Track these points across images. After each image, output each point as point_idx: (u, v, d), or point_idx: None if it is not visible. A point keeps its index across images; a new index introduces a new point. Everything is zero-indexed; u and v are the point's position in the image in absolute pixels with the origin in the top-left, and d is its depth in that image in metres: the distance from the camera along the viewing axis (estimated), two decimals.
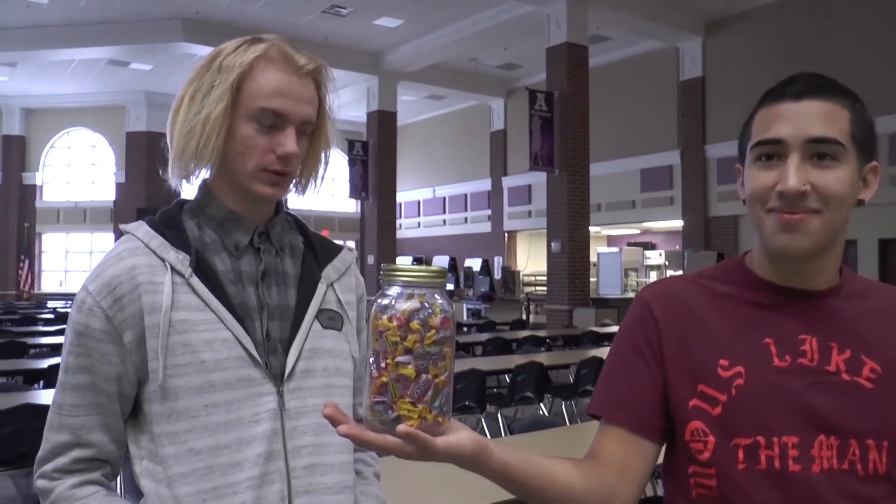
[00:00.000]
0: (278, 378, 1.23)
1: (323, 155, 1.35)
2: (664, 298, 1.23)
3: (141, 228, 1.25)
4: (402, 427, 0.84)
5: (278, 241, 1.32)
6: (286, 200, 1.38)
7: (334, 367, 1.30)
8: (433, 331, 0.86)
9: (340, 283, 1.37)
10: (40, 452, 1.23)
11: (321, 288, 1.33)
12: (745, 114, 1.22)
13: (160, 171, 1.28)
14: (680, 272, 11.25)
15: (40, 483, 1.22)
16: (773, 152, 1.12)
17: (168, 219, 1.28)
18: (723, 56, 14.49)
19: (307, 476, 1.23)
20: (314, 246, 1.38)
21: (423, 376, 0.85)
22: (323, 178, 1.37)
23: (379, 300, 0.88)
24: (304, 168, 1.33)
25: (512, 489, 1.05)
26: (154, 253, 1.21)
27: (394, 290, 0.88)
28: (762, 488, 1.08)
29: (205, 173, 1.29)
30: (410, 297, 0.87)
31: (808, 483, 1.07)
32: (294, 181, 1.32)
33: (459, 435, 0.91)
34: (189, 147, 1.22)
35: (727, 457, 1.10)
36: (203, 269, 1.23)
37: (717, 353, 1.15)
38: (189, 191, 1.32)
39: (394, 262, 19.02)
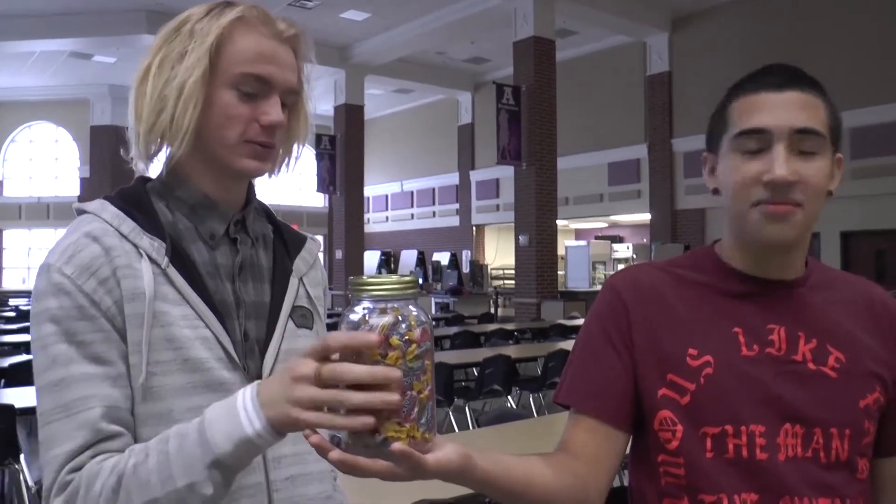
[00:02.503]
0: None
1: (302, 130, 1.22)
2: (634, 286, 1.22)
3: (106, 209, 1.10)
4: (396, 446, 0.80)
5: (253, 230, 1.22)
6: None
7: None
8: (414, 345, 0.81)
9: (309, 277, 1.29)
10: (46, 480, 1.00)
11: (293, 282, 1.24)
12: (712, 108, 1.22)
13: (122, 152, 1.15)
14: None
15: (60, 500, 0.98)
16: (757, 142, 1.11)
17: (135, 199, 1.14)
18: (689, 51, 14.60)
19: (288, 488, 1.14)
20: (283, 235, 1.29)
21: (408, 393, 0.81)
22: (298, 157, 1.25)
23: (349, 316, 0.83)
24: (282, 145, 1.20)
25: (493, 496, 1.05)
26: (126, 238, 1.07)
27: (364, 306, 0.83)
28: (730, 476, 1.09)
29: (173, 151, 1.13)
30: (384, 311, 0.82)
31: (774, 471, 1.08)
32: None
33: (447, 450, 0.88)
34: (161, 120, 1.09)
35: (695, 446, 1.11)
36: (180, 258, 1.10)
37: (686, 342, 1.15)
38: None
39: (361, 256, 18.58)
